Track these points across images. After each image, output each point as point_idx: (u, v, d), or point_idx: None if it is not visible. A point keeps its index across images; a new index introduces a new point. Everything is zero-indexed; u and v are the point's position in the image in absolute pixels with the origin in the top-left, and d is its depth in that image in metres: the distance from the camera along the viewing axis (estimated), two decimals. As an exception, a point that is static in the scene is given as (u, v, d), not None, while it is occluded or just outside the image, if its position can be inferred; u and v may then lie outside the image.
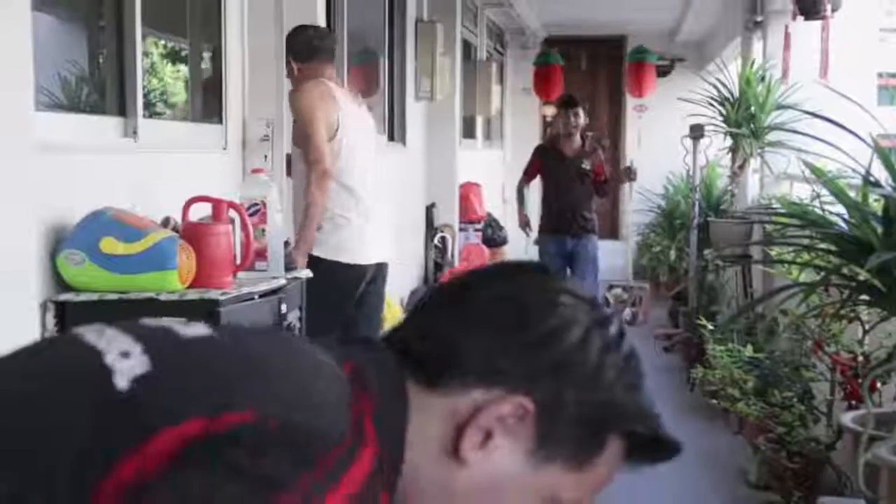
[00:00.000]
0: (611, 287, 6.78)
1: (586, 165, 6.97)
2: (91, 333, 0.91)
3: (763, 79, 6.66)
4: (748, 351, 4.88)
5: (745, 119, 6.66)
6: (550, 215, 7.11)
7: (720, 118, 6.91)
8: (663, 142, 11.12)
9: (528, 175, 7.34)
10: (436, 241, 7.76)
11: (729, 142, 7.05)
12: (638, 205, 11.00)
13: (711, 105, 6.95)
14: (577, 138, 7.07)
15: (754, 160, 6.88)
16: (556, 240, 7.00)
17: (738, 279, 6.63)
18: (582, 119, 7.05)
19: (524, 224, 7.37)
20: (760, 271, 6.29)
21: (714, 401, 4.97)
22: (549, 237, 7.06)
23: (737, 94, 6.79)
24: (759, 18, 7.30)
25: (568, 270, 6.88)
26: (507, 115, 12.60)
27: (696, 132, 7.18)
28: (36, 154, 2.20)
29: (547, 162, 7.14)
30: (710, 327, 5.42)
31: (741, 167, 6.99)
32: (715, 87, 6.94)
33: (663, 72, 12.05)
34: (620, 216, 13.13)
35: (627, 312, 8.65)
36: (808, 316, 3.94)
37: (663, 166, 10.57)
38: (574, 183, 6.98)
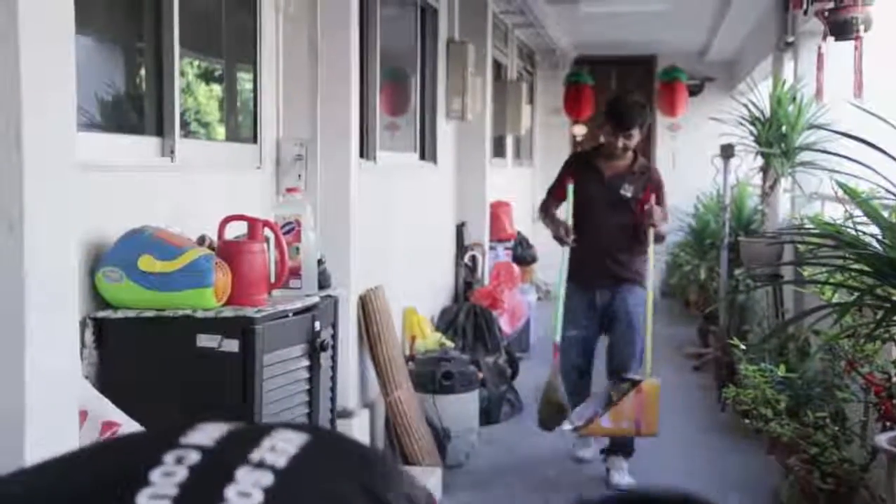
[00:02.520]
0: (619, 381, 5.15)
1: (626, 192, 5.19)
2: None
3: (794, 98, 6.65)
4: (780, 371, 4.85)
5: (777, 139, 6.64)
6: (577, 255, 5.18)
7: (751, 138, 6.89)
8: (692, 161, 11.11)
9: (554, 194, 5.44)
10: (466, 259, 7.77)
11: (760, 161, 7.03)
12: (668, 223, 10.96)
13: (742, 124, 6.94)
14: (629, 156, 5.31)
15: (785, 180, 6.85)
16: (582, 292, 5.21)
17: (769, 299, 6.60)
18: (635, 139, 5.27)
19: (565, 232, 5.16)
20: (792, 291, 6.26)
21: (746, 421, 4.94)
22: (575, 287, 5.21)
23: (768, 113, 6.78)
24: (790, 39, 7.30)
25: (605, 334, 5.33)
26: (536, 134, 12.63)
27: (727, 151, 7.16)
28: (76, 173, 2.24)
29: (582, 175, 5.30)
30: (742, 347, 5.40)
31: (772, 187, 6.97)
32: (745, 106, 6.93)
33: (693, 91, 12.05)
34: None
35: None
36: (841, 336, 3.92)
37: (693, 185, 10.56)
38: (609, 213, 5.19)
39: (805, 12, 5.17)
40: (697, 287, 9.94)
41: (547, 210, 5.42)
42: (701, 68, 12.39)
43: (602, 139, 5.39)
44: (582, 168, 5.37)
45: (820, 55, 5.35)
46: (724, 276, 7.31)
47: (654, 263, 5.26)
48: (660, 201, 5.26)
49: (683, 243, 10.61)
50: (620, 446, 5.25)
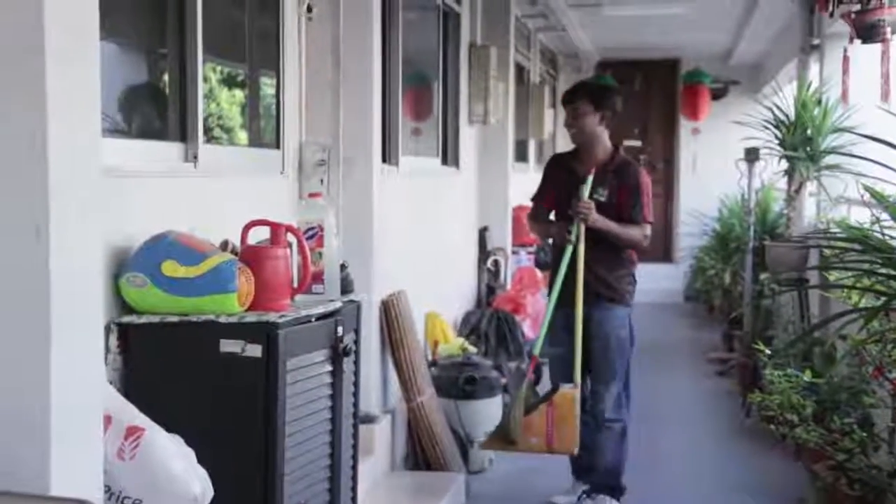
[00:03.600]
0: None
1: (601, 196, 4.61)
2: None
3: (820, 102, 6.60)
4: (806, 376, 4.81)
5: (802, 142, 6.61)
6: (555, 271, 4.74)
7: (776, 141, 6.86)
8: (716, 165, 11.06)
9: (542, 201, 4.97)
10: (489, 264, 7.76)
11: (785, 165, 6.99)
12: (691, 228, 10.93)
13: (767, 128, 6.90)
14: (600, 149, 4.72)
15: (811, 183, 6.81)
16: (560, 309, 4.65)
17: (794, 303, 6.55)
18: (592, 118, 4.67)
19: (566, 232, 4.64)
20: (818, 296, 6.21)
21: (771, 426, 4.89)
22: (556, 303, 4.67)
23: (793, 117, 6.74)
24: (815, 42, 7.25)
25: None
26: (559, 138, 12.60)
27: (752, 155, 7.13)
28: (101, 179, 2.25)
29: (558, 179, 4.85)
30: (767, 352, 5.35)
31: (797, 190, 6.93)
32: (770, 109, 6.89)
33: (717, 95, 12.00)
34: (673, 239, 13.05)
35: None
36: (868, 341, 3.88)
37: (716, 189, 10.51)
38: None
39: (831, 15, 5.12)
40: (721, 291, 9.89)
41: (536, 218, 5.00)
42: (725, 71, 12.34)
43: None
44: (558, 170, 4.91)
45: (846, 58, 5.31)
46: (749, 281, 7.27)
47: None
48: (633, 205, 4.61)
49: (707, 247, 10.56)
50: (604, 487, 4.81)
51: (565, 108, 4.83)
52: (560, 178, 4.83)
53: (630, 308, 4.78)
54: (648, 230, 4.70)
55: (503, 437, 4.46)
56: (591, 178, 4.58)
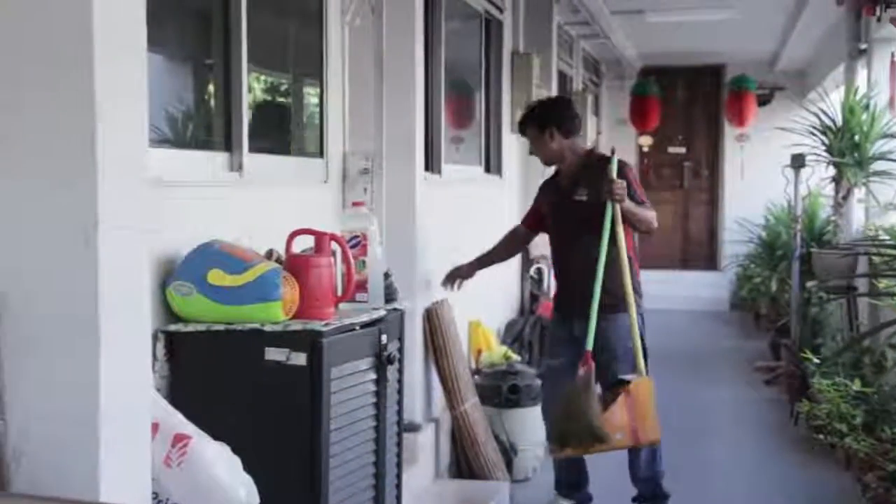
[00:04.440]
0: None
1: (581, 195, 4.56)
2: None
3: (868, 107, 6.52)
4: (856, 385, 4.75)
5: (849, 148, 6.53)
6: (558, 283, 4.88)
7: (822, 147, 6.78)
8: (762, 171, 10.96)
9: (525, 221, 5.04)
10: (532, 272, 7.74)
11: (832, 171, 6.91)
12: (736, 235, 10.84)
13: (813, 134, 6.83)
14: (570, 158, 4.66)
15: (859, 190, 6.73)
16: (561, 321, 4.69)
17: (842, 311, 6.46)
18: (542, 139, 4.64)
19: (452, 276, 4.96)
20: (867, 304, 6.13)
21: (820, 436, 4.83)
22: (557, 316, 4.77)
23: (840, 122, 6.67)
24: (863, 46, 7.16)
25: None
26: (602, 145, 12.56)
27: (798, 162, 7.04)
28: (148, 188, 2.27)
29: (546, 199, 4.85)
30: (815, 360, 5.28)
31: (845, 197, 6.85)
32: (817, 115, 6.81)
33: (763, 101, 11.89)
34: (718, 246, 12.95)
35: None
36: (919, 350, 3.82)
37: (763, 196, 10.41)
38: (575, 228, 4.57)
39: (878, 19, 5.07)
40: (768, 299, 9.79)
41: (511, 232, 5.05)
42: (771, 77, 12.22)
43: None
44: (546, 192, 4.87)
45: (893, 62, 5.24)
46: (796, 289, 7.18)
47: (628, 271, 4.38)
48: (628, 193, 4.42)
49: (754, 255, 10.46)
50: (650, 497, 4.70)
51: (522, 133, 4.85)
52: (548, 198, 4.81)
53: (639, 315, 4.51)
54: (653, 211, 4.58)
55: (588, 439, 4.13)
56: (615, 159, 4.45)
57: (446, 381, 4.99)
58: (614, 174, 4.37)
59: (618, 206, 4.33)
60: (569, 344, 4.51)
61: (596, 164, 4.59)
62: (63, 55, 2.07)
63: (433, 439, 4.95)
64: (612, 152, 4.48)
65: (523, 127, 4.79)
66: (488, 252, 5.06)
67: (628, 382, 4.18)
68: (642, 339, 4.46)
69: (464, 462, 5.06)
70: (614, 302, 4.38)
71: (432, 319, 4.97)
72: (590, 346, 4.25)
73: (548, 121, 4.64)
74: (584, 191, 4.52)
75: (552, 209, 4.74)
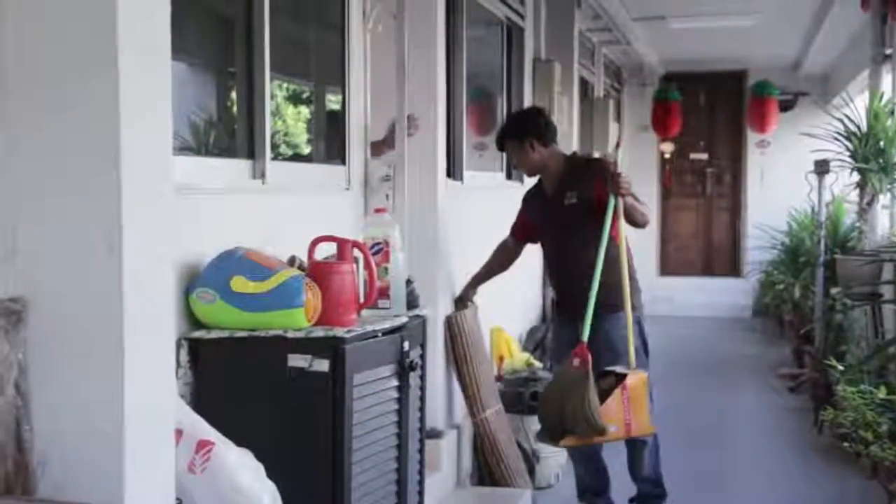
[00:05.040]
0: None
1: (571, 199, 4.58)
2: None
3: (893, 112, 6.48)
4: (881, 393, 4.71)
5: (874, 154, 6.49)
6: (556, 289, 4.98)
7: (847, 153, 6.74)
8: (784, 177, 10.90)
9: (513, 233, 5.03)
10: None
11: (856, 177, 6.87)
12: (759, 241, 10.78)
13: (837, 140, 6.79)
14: (553, 165, 4.69)
15: (884, 196, 6.68)
16: (563, 324, 4.75)
17: (867, 318, 6.41)
18: (522, 150, 4.69)
19: (461, 304, 5.07)
20: (892, 311, 6.08)
21: (845, 444, 4.79)
22: (559, 320, 4.92)
23: (864, 128, 6.62)
24: (888, 51, 7.12)
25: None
26: (624, 152, 12.52)
27: (822, 168, 7.01)
28: (172, 196, 2.28)
29: (532, 207, 4.90)
30: (840, 368, 5.24)
31: (869, 203, 6.80)
32: (841, 121, 6.77)
33: (786, 106, 11.82)
34: (740, 253, 12.88)
35: None
36: (946, 357, 3.78)
37: (785, 202, 10.35)
38: (565, 232, 4.62)
39: (903, 23, 5.03)
40: (792, 306, 9.71)
41: (501, 246, 5.05)
42: (794, 83, 12.15)
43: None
44: (532, 201, 4.91)
45: (919, 67, 5.21)
46: (820, 295, 7.13)
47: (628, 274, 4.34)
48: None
49: (776, 261, 10.39)
50: (651, 497, 4.75)
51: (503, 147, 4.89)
52: (534, 207, 4.85)
53: (637, 313, 4.51)
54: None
55: (586, 431, 4.07)
56: (620, 151, 4.47)
57: (467, 387, 4.98)
58: (620, 166, 4.36)
59: (621, 201, 4.30)
60: (574, 346, 4.32)
61: (580, 166, 4.72)
62: (88, 62, 2.08)
63: (455, 446, 4.94)
64: (618, 145, 4.53)
65: (501, 142, 4.84)
66: (483, 270, 5.10)
67: (625, 376, 4.13)
68: (642, 336, 4.52)
69: (485, 469, 5.05)
70: (614, 301, 4.32)
71: (453, 326, 4.97)
72: (585, 337, 4.16)
73: (525, 132, 4.68)
74: (572, 194, 4.56)
75: (542, 218, 4.78)
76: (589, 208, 4.43)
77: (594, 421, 3.99)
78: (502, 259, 5.10)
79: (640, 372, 4.23)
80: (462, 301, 5.07)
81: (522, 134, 4.69)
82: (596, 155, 8.88)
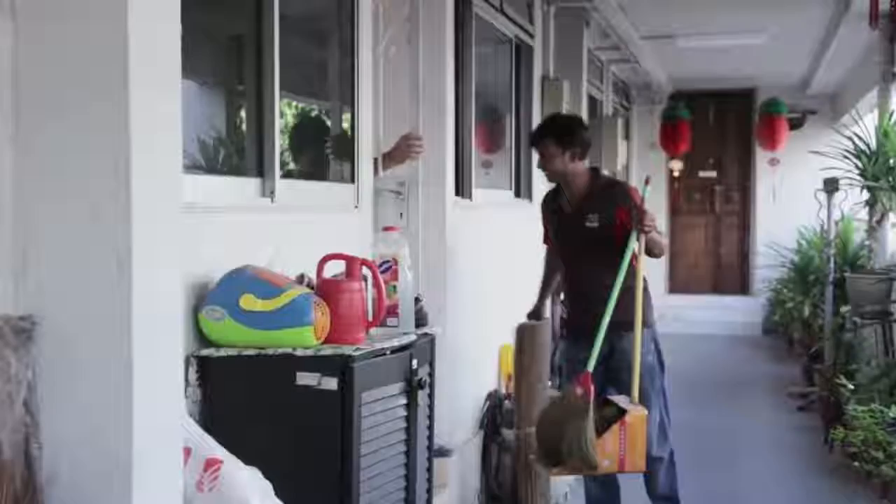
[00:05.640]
0: None
1: (592, 222, 4.60)
2: None
3: (902, 130, 6.47)
4: (892, 412, 4.68)
5: (884, 172, 6.48)
6: (569, 307, 5.01)
7: (856, 171, 6.73)
8: (793, 195, 10.89)
9: (544, 239, 5.09)
10: (562, 296, 7.71)
11: (865, 195, 6.85)
12: (768, 259, 10.76)
13: (846, 158, 6.78)
14: (579, 182, 4.67)
15: (893, 214, 6.67)
16: (574, 344, 4.74)
17: (877, 337, 6.39)
18: (560, 158, 4.63)
19: (535, 312, 5.18)
20: (903, 329, 6.06)
21: (855, 463, 4.77)
22: (569, 339, 4.92)
23: (873, 146, 6.62)
24: (896, 69, 7.12)
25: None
26: (633, 170, 12.53)
27: (831, 186, 7.00)
28: (181, 214, 2.29)
29: (550, 216, 4.91)
30: (850, 386, 5.22)
31: (879, 221, 6.79)
32: (850, 139, 6.77)
33: (795, 124, 11.82)
34: (750, 271, 12.85)
35: None
36: (956, 377, 3.77)
37: (795, 220, 10.33)
38: (583, 250, 4.65)
39: (912, 42, 5.03)
40: (801, 324, 9.69)
41: (547, 262, 5.13)
42: (802, 101, 12.15)
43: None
44: (549, 208, 4.89)
45: (928, 86, 5.21)
46: (830, 314, 7.11)
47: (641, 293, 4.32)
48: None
49: (786, 280, 10.37)
50: None
51: (536, 150, 4.80)
52: (553, 220, 4.85)
53: (651, 329, 4.56)
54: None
55: (578, 464, 4.05)
56: (648, 188, 4.40)
57: (520, 399, 4.92)
58: (644, 203, 4.31)
59: (643, 237, 4.27)
60: (583, 365, 4.29)
61: (605, 188, 4.67)
62: (98, 82, 2.10)
63: (463, 464, 4.93)
64: (647, 181, 4.45)
65: (540, 139, 4.72)
66: (544, 285, 5.18)
67: (625, 412, 4.07)
68: (657, 351, 4.56)
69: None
70: (628, 320, 4.25)
71: (523, 339, 4.96)
72: (591, 367, 4.11)
73: (573, 142, 4.64)
74: (594, 216, 4.56)
75: (561, 235, 4.80)
76: (610, 234, 4.42)
77: (589, 458, 3.97)
78: (554, 266, 5.06)
79: (642, 410, 4.16)
80: (536, 314, 5.08)
81: (566, 142, 4.63)
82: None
